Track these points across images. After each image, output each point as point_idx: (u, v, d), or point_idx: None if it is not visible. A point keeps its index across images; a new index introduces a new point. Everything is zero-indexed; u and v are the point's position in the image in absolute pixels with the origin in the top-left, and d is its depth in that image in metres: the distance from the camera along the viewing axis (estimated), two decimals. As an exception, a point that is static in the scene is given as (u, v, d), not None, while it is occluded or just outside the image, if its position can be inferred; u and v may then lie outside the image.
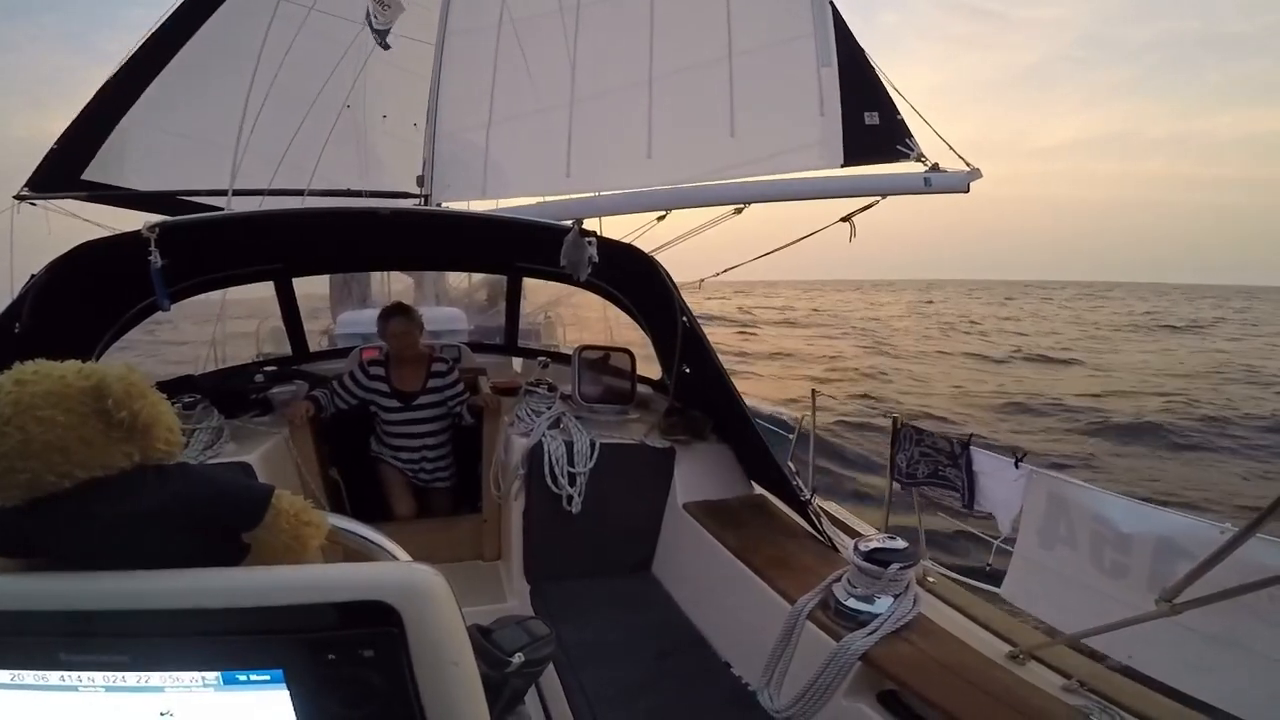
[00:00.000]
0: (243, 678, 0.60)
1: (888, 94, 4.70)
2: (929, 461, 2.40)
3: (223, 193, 5.02)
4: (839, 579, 1.85)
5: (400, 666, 0.60)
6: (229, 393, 3.10)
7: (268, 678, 0.60)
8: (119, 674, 0.60)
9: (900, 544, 1.78)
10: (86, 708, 0.61)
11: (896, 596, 1.74)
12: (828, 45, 4.73)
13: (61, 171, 5.78)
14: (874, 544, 1.78)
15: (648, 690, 2.02)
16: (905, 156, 4.64)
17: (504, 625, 0.87)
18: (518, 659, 0.82)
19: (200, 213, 5.53)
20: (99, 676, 0.60)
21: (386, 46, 4.72)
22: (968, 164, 4.58)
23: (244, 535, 0.74)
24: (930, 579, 2.29)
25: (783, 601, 1.97)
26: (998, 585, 2.24)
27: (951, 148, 4.68)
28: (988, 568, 2.37)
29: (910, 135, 4.68)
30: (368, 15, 4.44)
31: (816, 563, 2.15)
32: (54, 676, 0.60)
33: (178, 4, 6.00)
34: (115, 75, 5.88)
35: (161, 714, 0.61)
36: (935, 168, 4.58)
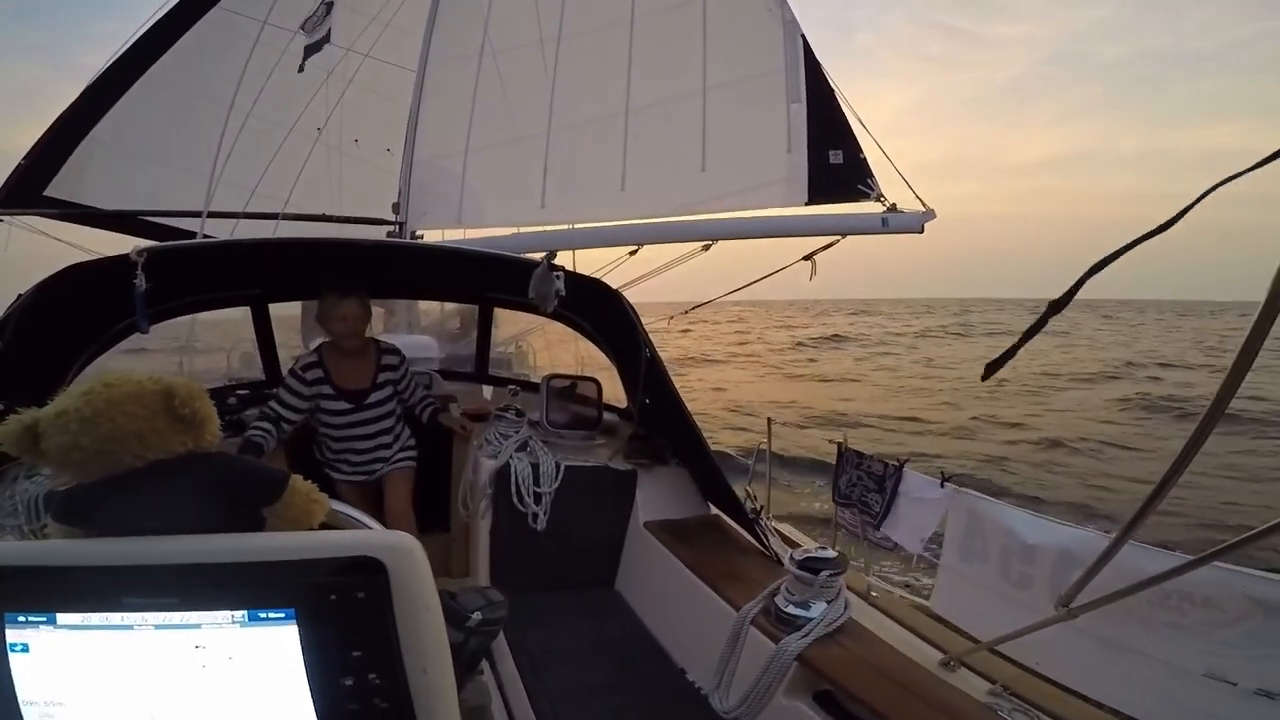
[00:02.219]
0: (263, 615, 0.76)
1: (853, 133, 4.85)
2: (862, 486, 2.59)
3: (197, 214, 5.05)
4: (779, 587, 2.01)
5: (384, 607, 0.77)
6: None
7: (282, 615, 0.76)
8: (167, 614, 0.76)
9: (830, 553, 1.95)
10: (139, 643, 0.77)
11: (829, 602, 1.91)
12: (798, 82, 4.88)
13: (26, 187, 5.75)
14: (807, 554, 1.95)
15: (607, 693, 2.16)
16: (866, 196, 4.83)
17: (466, 591, 1.07)
18: (476, 617, 0.99)
19: (171, 232, 5.55)
20: (151, 616, 0.76)
21: (301, 69, 4.86)
22: (924, 205, 4.81)
23: (264, 510, 0.92)
24: (874, 593, 2.47)
25: (731, 609, 2.12)
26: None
27: (910, 186, 4.86)
28: (920, 583, 2.57)
29: (871, 175, 4.87)
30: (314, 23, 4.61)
31: (763, 575, 2.30)
32: (115, 617, 0.76)
33: (150, 23, 6.02)
34: (83, 93, 5.87)
35: (196, 647, 0.77)
36: (893, 208, 4.80)
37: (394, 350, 2.97)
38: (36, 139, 5.86)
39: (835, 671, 1.75)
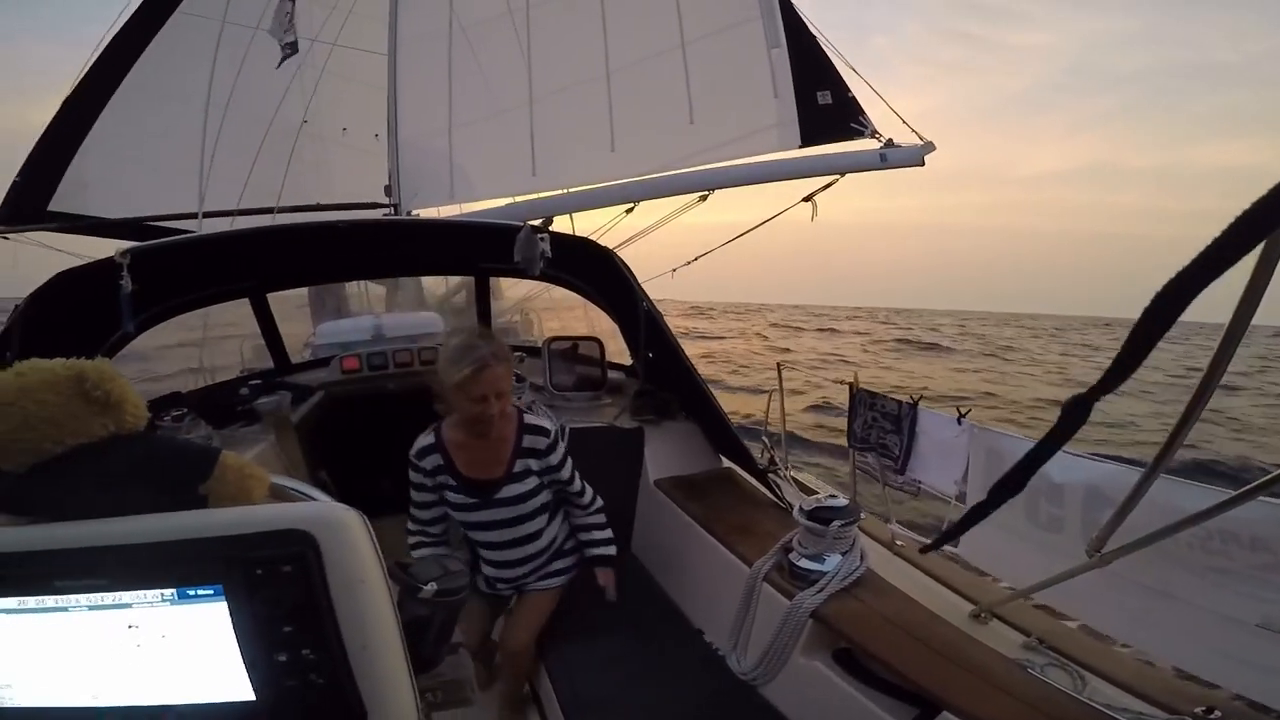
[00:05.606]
0: (191, 593, 0.77)
1: (838, 72, 4.78)
2: (878, 428, 2.48)
3: (193, 216, 5.06)
4: (791, 541, 1.92)
5: (314, 580, 0.76)
6: (216, 406, 3.16)
7: (211, 592, 0.77)
8: (99, 594, 0.77)
9: (841, 501, 1.85)
10: (73, 624, 0.78)
11: (844, 554, 1.81)
12: (775, 27, 4.81)
13: (28, 203, 5.80)
14: (817, 503, 1.85)
15: (625, 660, 2.10)
16: (860, 133, 4.73)
17: (422, 561, 1.05)
18: (431, 588, 0.95)
19: (175, 235, 5.58)
20: (84, 598, 0.77)
21: (289, 54, 4.87)
22: (921, 137, 4.68)
23: (200, 488, 0.90)
24: (899, 542, 2.37)
25: (744, 566, 2.05)
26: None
27: (905, 121, 4.78)
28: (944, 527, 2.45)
29: (863, 112, 4.77)
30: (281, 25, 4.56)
31: (776, 528, 2.21)
32: (49, 600, 0.77)
33: (115, 33, 5.98)
34: (65, 104, 5.88)
35: (129, 626, 0.78)
36: (890, 143, 4.67)
37: (540, 429, 2.12)
38: (27, 155, 5.90)
39: (852, 628, 1.67)
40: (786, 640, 1.77)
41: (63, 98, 5.94)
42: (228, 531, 0.77)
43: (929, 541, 2.55)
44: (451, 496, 2.09)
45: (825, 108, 4.61)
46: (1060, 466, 1.79)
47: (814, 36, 4.67)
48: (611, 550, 2.22)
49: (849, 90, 4.62)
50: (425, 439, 2.11)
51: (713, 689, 1.94)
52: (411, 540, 2.16)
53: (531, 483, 2.10)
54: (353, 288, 7.54)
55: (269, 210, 5.42)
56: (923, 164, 4.51)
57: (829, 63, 4.66)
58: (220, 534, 0.77)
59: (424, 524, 2.15)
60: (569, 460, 2.17)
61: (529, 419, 2.12)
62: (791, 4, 4.72)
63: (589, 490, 2.21)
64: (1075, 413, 1.09)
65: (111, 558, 0.77)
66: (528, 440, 2.08)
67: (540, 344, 3.63)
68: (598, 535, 2.23)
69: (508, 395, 1.96)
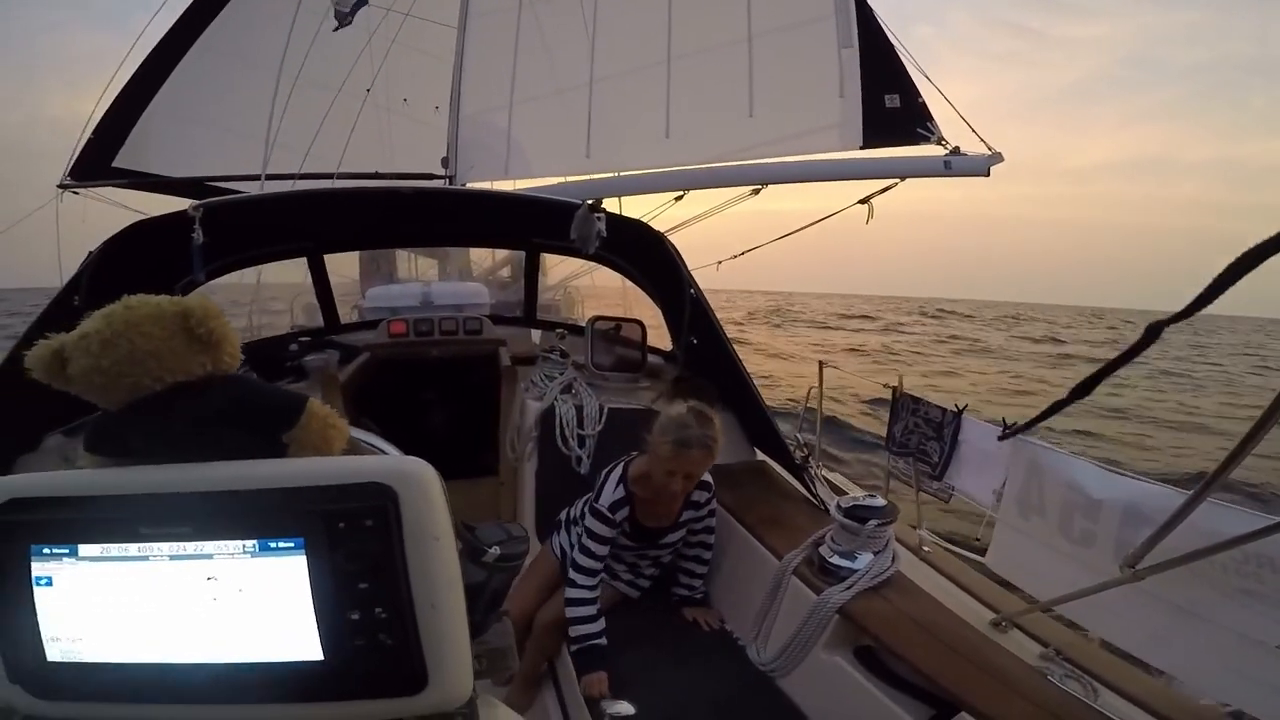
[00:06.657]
0: (273, 545, 0.75)
1: (909, 77, 4.71)
2: (919, 434, 2.47)
3: (256, 178, 5.23)
4: (823, 537, 1.95)
5: (392, 535, 0.74)
6: (265, 360, 3.27)
7: (292, 545, 0.75)
8: (181, 544, 0.75)
9: (879, 502, 1.87)
10: (154, 574, 0.76)
11: (876, 553, 1.83)
12: (849, 26, 4.75)
13: (97, 161, 6.02)
14: (854, 501, 1.87)
15: (643, 644, 2.13)
16: (925, 139, 4.65)
17: (486, 525, 1.02)
18: (494, 551, 0.95)
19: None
20: (166, 547, 0.75)
21: (346, 22, 4.94)
22: (989, 147, 4.58)
23: (284, 437, 0.89)
24: (926, 548, 2.37)
25: (773, 558, 2.07)
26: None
27: (974, 130, 4.68)
28: (976, 539, 2.44)
29: (931, 119, 4.69)
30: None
31: (808, 523, 2.23)
32: (133, 548, 0.76)
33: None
34: (141, 67, 6.07)
35: (208, 578, 0.76)
36: (956, 151, 4.59)
37: (705, 484, 2.31)
38: (102, 115, 6.11)
39: (878, 627, 1.69)
40: (810, 634, 1.79)
41: (110, 87, 6.09)
42: (313, 482, 0.76)
43: (957, 550, 2.54)
44: (622, 539, 2.29)
45: (893, 111, 4.56)
46: (1099, 483, 1.78)
47: (890, 41, 4.61)
48: (703, 593, 2.42)
49: (919, 95, 4.55)
50: (617, 492, 2.21)
51: (730, 677, 1.97)
52: (574, 593, 2.12)
53: (682, 534, 2.33)
54: (402, 256, 7.71)
55: (328, 176, 5.55)
56: (988, 174, 4.43)
57: (901, 67, 4.62)
58: (306, 484, 0.76)
59: (588, 573, 2.15)
60: (716, 513, 2.37)
61: (701, 480, 2.26)
62: (867, 4, 4.65)
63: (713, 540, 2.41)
64: (1149, 335, 1.23)
65: (198, 505, 0.76)
66: (695, 495, 2.27)
67: (584, 322, 3.68)
68: (700, 572, 2.40)
69: (696, 478, 2.12)
